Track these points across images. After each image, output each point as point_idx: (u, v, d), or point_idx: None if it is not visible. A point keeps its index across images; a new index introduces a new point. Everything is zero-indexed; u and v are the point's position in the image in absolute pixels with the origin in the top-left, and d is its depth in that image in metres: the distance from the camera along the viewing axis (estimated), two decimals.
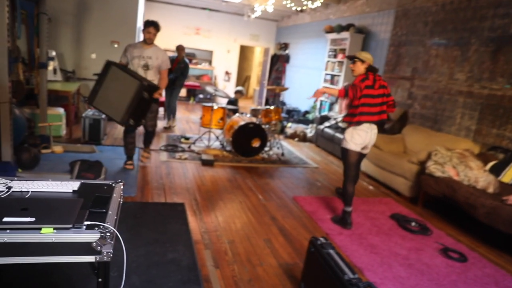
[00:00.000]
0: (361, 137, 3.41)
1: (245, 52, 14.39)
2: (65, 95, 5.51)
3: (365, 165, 5.35)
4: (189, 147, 5.67)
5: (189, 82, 11.34)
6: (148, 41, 4.24)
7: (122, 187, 1.76)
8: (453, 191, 3.80)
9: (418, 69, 5.66)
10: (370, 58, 3.42)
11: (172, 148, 5.48)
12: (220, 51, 11.64)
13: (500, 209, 3.36)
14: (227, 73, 11.89)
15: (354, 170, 3.53)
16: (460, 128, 4.91)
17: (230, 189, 4.17)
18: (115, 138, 5.80)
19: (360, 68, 3.41)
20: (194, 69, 11.60)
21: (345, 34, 7.12)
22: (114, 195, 1.62)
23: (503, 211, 3.33)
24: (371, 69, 3.41)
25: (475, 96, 4.72)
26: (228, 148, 5.67)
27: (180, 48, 6.88)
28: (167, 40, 10.97)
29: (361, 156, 3.57)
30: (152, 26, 4.21)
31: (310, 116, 8.61)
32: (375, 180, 5.16)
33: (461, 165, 4.13)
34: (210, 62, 11.76)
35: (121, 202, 1.68)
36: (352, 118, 3.40)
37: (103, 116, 5.25)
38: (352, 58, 3.46)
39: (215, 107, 5.67)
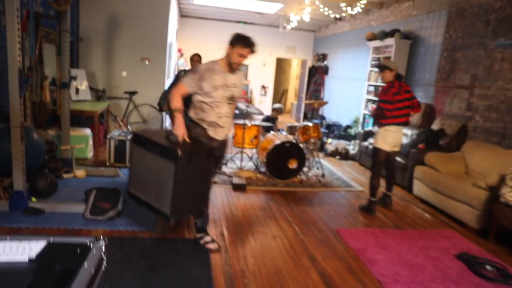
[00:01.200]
0: (392, 138, 3.97)
1: (281, 65, 13.98)
2: (91, 115, 5.29)
3: (419, 189, 4.65)
4: (220, 168, 5.23)
5: None
6: (236, 66, 2.83)
7: (104, 248, 1.30)
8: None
9: (479, 76, 4.90)
10: (397, 67, 4.01)
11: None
12: (256, 65, 11.28)
13: None
14: (263, 87, 11.48)
15: (382, 167, 4.15)
16: None
17: (263, 220, 3.65)
18: None
19: (389, 76, 3.94)
20: None
21: (389, 41, 6.46)
22: (86, 266, 1.15)
23: None
24: (397, 77, 3.96)
25: None
26: (262, 169, 5.17)
27: (195, 59, 5.31)
28: (202, 56, 10.82)
29: (391, 154, 4.15)
30: (249, 47, 2.77)
31: (352, 131, 7.94)
32: (432, 206, 4.43)
33: None
34: (245, 77, 11.42)
35: (104, 268, 1.22)
36: (384, 121, 3.95)
37: (130, 135, 4.96)
38: (382, 68, 4.00)
39: (248, 124, 5.22)
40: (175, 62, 9.28)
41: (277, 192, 4.56)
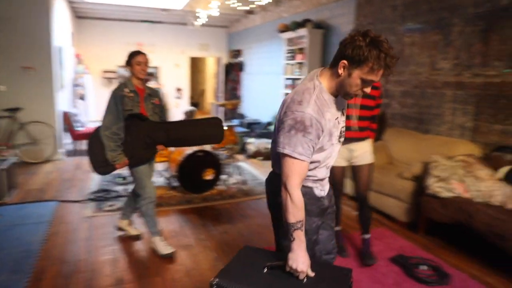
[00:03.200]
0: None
1: (197, 64, 13.32)
2: None
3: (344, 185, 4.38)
4: (126, 189, 4.48)
5: None
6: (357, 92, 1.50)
7: None
8: (469, 216, 2.86)
9: None
10: None
11: (102, 195, 4.26)
12: (168, 66, 10.48)
13: None
14: (178, 89, 10.72)
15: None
16: (453, 126, 4.03)
17: (174, 256, 3.03)
18: (29, 190, 4.51)
19: None
20: None
21: (302, 31, 6.19)
22: None
23: None
24: None
25: (467, 86, 3.85)
26: (175, 183, 4.53)
27: (142, 62, 3.12)
28: (105, 60, 9.74)
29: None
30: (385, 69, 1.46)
31: (272, 128, 7.60)
32: None
33: (469, 177, 3.21)
34: (157, 79, 10.55)
35: None
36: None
37: (6, 163, 4.00)
38: None
39: None
40: (71, 70, 8.15)
41: (193, 210, 3.95)
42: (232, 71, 10.18)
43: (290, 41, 6.74)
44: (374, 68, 1.37)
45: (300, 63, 6.40)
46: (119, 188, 4.52)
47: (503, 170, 3.35)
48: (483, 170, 3.25)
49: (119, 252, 3.00)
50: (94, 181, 4.83)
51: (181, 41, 10.45)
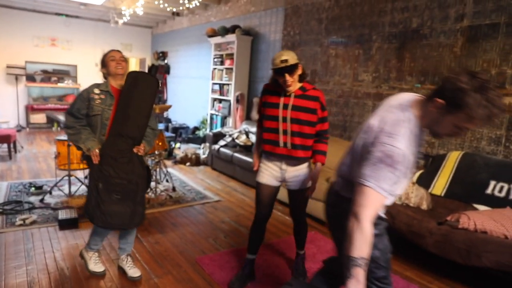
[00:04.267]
0: None
1: None
2: None
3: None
4: (41, 200, 4.04)
5: (50, 105, 9.24)
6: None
7: None
8: (391, 217, 3.11)
9: (318, 72, 5.04)
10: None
11: (12, 208, 3.78)
12: (87, 65, 9.75)
13: (452, 236, 2.74)
14: None
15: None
16: None
17: (103, 273, 2.80)
18: None
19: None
20: (55, 88, 9.51)
21: (231, 37, 6.22)
22: None
23: (455, 237, 2.72)
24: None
25: (385, 97, 4.21)
26: None
27: (122, 63, 2.73)
28: (13, 56, 8.73)
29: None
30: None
31: (200, 133, 7.51)
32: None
33: None
34: (75, 79, 9.76)
35: None
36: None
37: None
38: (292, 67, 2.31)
39: None
40: None
41: None
42: (157, 74, 9.84)
43: (219, 46, 6.73)
44: (473, 117, 1.23)
45: (229, 69, 6.42)
46: (33, 199, 4.05)
47: (417, 174, 3.73)
48: None
49: (35, 272, 2.67)
50: (1, 191, 4.27)
51: (102, 39, 9.81)
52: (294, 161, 2.46)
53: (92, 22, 9.67)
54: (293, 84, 2.34)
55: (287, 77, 2.27)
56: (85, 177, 4.59)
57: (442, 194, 3.44)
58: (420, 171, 3.71)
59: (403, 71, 4.02)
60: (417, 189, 3.45)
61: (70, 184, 4.21)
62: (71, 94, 9.61)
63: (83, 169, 4.34)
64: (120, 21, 8.25)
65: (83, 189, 4.37)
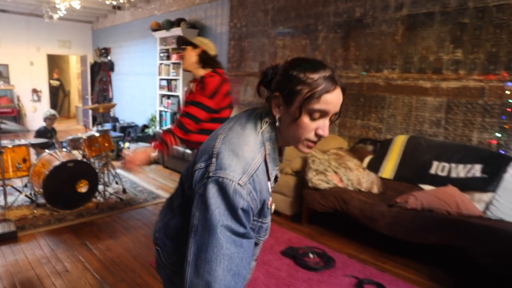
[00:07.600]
0: None
1: (58, 63, 11.83)
2: None
3: None
4: None
5: None
6: None
7: None
8: (345, 203, 3.17)
9: (266, 63, 4.99)
10: (212, 46, 2.52)
11: None
12: (20, 64, 9.02)
13: (402, 217, 2.85)
14: (35, 91, 9.32)
15: None
16: None
17: (46, 283, 2.59)
18: None
19: (194, 57, 2.48)
20: None
21: (176, 31, 6.02)
22: None
23: (404, 218, 2.83)
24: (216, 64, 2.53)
25: None
26: (42, 201, 3.90)
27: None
28: None
29: None
30: None
31: (150, 131, 7.25)
32: None
33: (341, 168, 3.57)
34: (7, 80, 8.99)
35: None
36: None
37: None
38: (184, 43, 2.48)
39: (9, 146, 3.82)
40: None
41: (66, 229, 3.46)
42: (100, 71, 9.35)
43: (164, 40, 6.51)
44: None
45: (176, 64, 6.22)
46: None
47: (367, 160, 3.84)
48: (351, 161, 3.65)
49: None
50: None
51: (36, 36, 9.12)
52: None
53: (23, 17, 8.94)
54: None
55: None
56: (24, 186, 4.25)
57: (392, 177, 3.57)
58: (370, 156, 3.82)
59: (349, 59, 4.11)
60: (368, 174, 3.56)
61: (5, 194, 3.85)
62: (3, 96, 8.84)
63: (21, 177, 3.99)
64: (55, 16, 7.69)
65: (22, 199, 4.03)
